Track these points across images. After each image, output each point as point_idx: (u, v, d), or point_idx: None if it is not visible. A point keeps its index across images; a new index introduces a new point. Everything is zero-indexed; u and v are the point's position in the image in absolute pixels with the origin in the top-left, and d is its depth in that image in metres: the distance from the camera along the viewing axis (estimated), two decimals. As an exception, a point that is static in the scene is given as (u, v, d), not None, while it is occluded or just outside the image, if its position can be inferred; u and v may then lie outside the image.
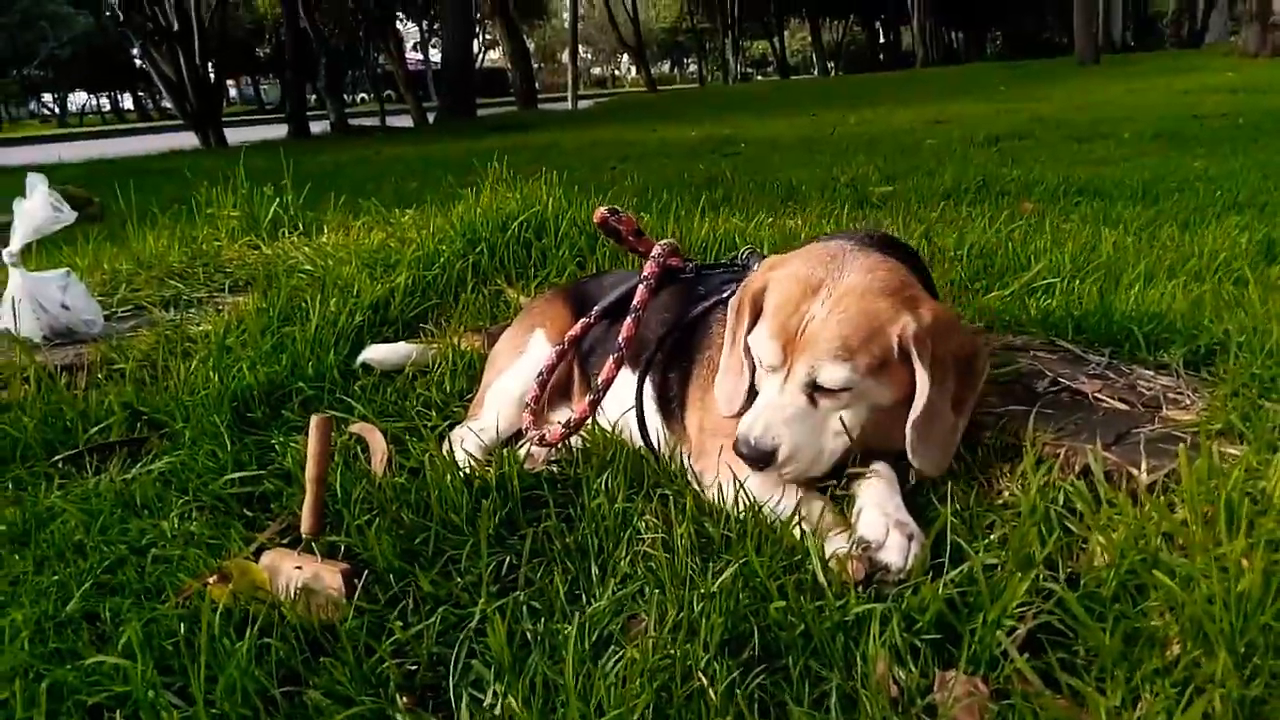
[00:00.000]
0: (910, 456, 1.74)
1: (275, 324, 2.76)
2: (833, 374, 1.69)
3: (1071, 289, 2.82)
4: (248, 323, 2.77)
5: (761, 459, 1.73)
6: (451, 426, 2.33)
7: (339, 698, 1.48)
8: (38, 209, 2.69)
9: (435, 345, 2.71)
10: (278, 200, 4.12)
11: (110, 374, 2.68)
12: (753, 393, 1.87)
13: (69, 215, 2.73)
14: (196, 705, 1.44)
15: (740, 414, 1.84)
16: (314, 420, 1.80)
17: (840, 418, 1.75)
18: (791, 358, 1.73)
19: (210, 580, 1.71)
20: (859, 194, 6.90)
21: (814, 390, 1.74)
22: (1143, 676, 1.29)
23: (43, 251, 3.05)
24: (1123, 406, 1.91)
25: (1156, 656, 1.32)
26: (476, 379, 2.54)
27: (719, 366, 1.96)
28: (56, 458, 2.34)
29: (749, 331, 1.85)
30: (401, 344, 2.73)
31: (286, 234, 4.04)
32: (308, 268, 3.33)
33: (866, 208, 6.20)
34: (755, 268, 2.13)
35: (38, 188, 2.70)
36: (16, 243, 2.74)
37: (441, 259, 3.17)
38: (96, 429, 2.42)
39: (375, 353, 2.66)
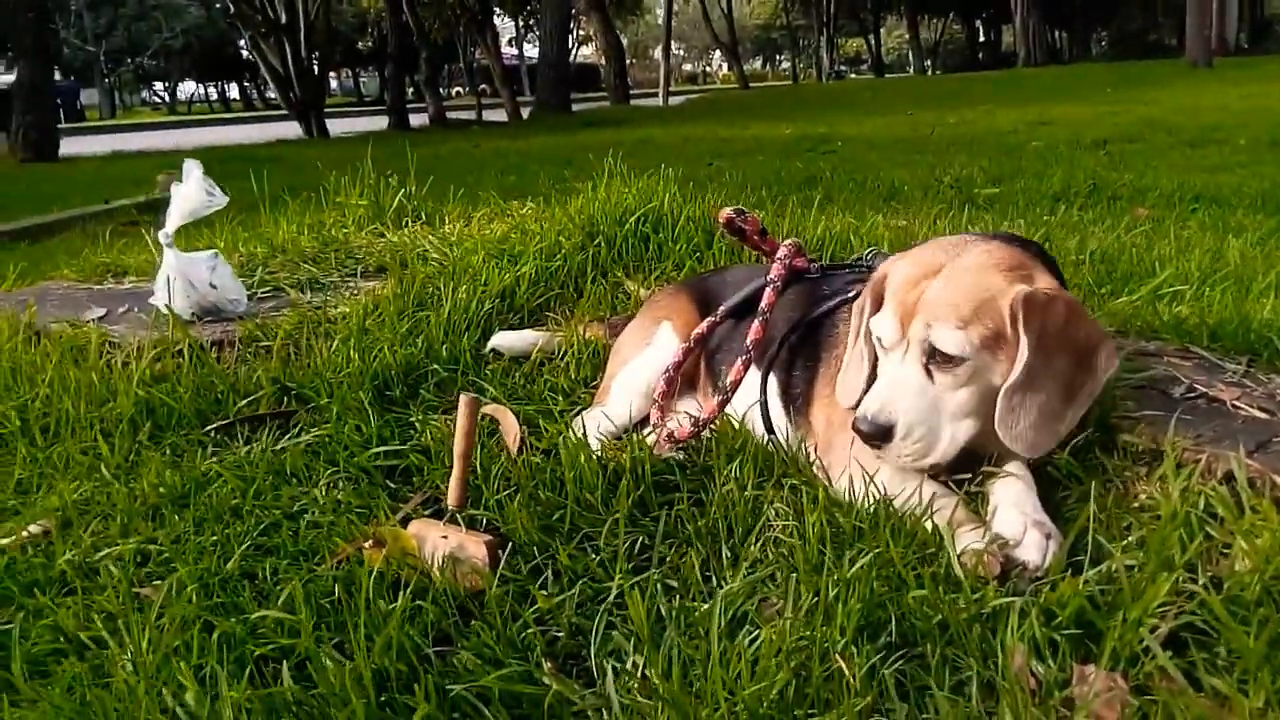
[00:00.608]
0: (996, 426, 1.73)
1: (410, 309, 2.89)
2: (946, 337, 1.71)
3: (1201, 295, 2.78)
4: (384, 307, 2.90)
5: (879, 434, 1.76)
6: (577, 412, 2.42)
7: (488, 660, 1.56)
8: (193, 193, 2.86)
9: (560, 333, 2.80)
10: (402, 191, 4.28)
11: (256, 350, 2.84)
12: (873, 381, 1.91)
13: (221, 199, 2.90)
14: (357, 659, 1.54)
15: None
16: (463, 399, 1.90)
17: (958, 397, 1.77)
18: (907, 329, 1.77)
19: (366, 545, 1.82)
20: (964, 195, 6.82)
21: (930, 361, 1.76)
22: (1289, 680, 1.30)
23: (180, 233, 3.22)
24: (1262, 415, 1.89)
25: (1303, 661, 1.32)
26: (600, 367, 2.62)
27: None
28: (209, 427, 2.49)
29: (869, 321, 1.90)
30: (528, 331, 2.83)
31: (410, 223, 4.18)
32: (435, 256, 3.45)
33: (973, 209, 6.12)
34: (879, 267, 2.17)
35: (193, 173, 2.87)
36: (173, 224, 2.92)
37: (562, 251, 3.26)
38: (245, 401, 2.57)
39: (504, 339, 2.77)
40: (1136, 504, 1.74)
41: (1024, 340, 1.70)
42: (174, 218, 2.91)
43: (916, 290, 1.78)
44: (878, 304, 1.89)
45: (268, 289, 3.43)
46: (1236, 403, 1.93)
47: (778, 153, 11.04)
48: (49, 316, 3.14)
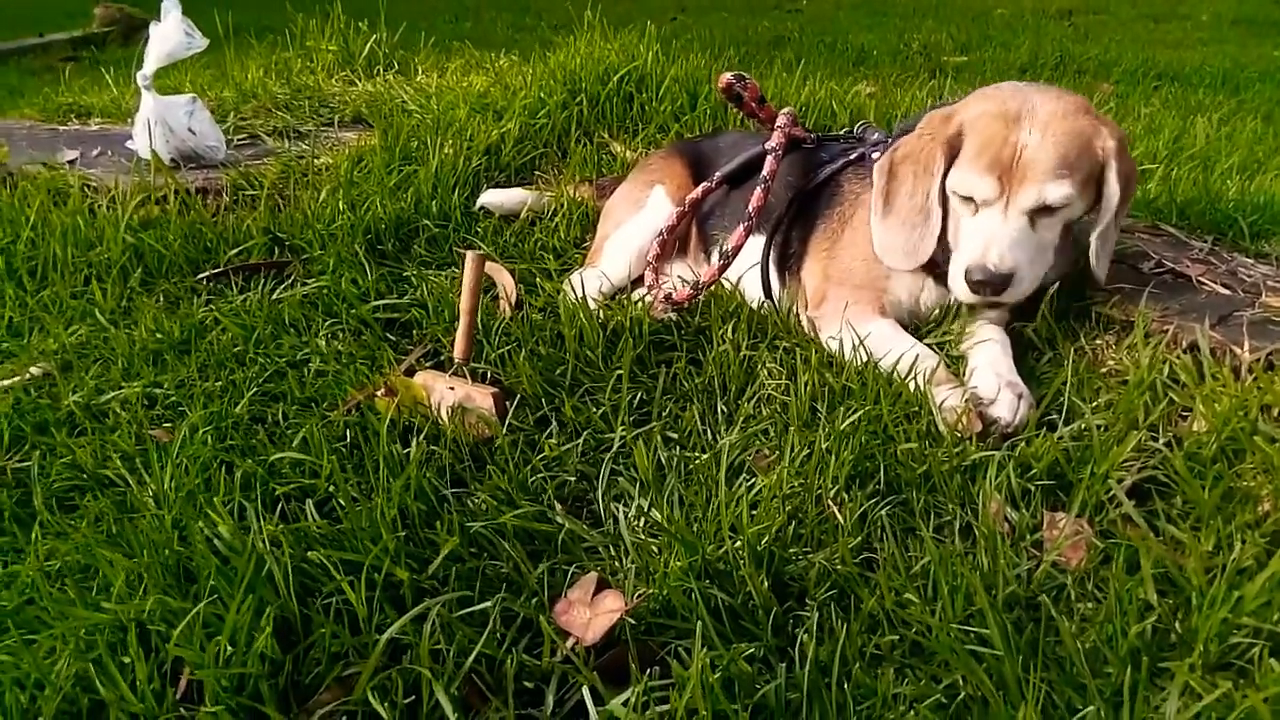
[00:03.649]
0: (1093, 265, 1.89)
1: (397, 162, 2.87)
2: (1058, 193, 1.80)
3: (1169, 175, 2.88)
4: (370, 159, 2.88)
5: (1001, 282, 1.83)
6: (571, 271, 2.47)
7: (502, 501, 1.66)
8: (171, 33, 2.77)
9: (549, 192, 2.82)
10: (374, 37, 4.16)
11: (241, 199, 2.82)
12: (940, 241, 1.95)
13: (201, 41, 2.81)
14: (378, 499, 1.62)
15: (921, 265, 1.97)
16: (469, 255, 1.94)
17: (1052, 238, 1.88)
18: (1011, 187, 1.82)
19: (378, 393, 1.88)
20: (932, 62, 6.78)
21: (1037, 213, 1.84)
22: (1236, 527, 1.45)
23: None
24: (1225, 290, 2.01)
25: (1249, 511, 1.48)
26: (590, 228, 2.66)
27: (848, 239, 2.08)
28: (202, 275, 2.50)
29: (944, 176, 1.91)
30: (517, 189, 2.84)
31: (381, 71, 4.09)
32: (414, 108, 3.41)
33: (941, 76, 6.11)
34: (874, 138, 2.22)
35: (171, 12, 2.77)
36: (150, 65, 2.83)
37: (546, 108, 3.24)
38: (237, 251, 2.57)
39: (493, 196, 2.78)
40: (1106, 370, 1.87)
41: (1114, 184, 1.83)
42: (152, 59, 2.83)
43: (1009, 145, 1.81)
44: (951, 158, 1.91)
45: (244, 136, 3.38)
46: (1202, 278, 2.05)
47: (744, 8, 10.76)
48: (21, 157, 3.07)
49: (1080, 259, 1.96)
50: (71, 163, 3.07)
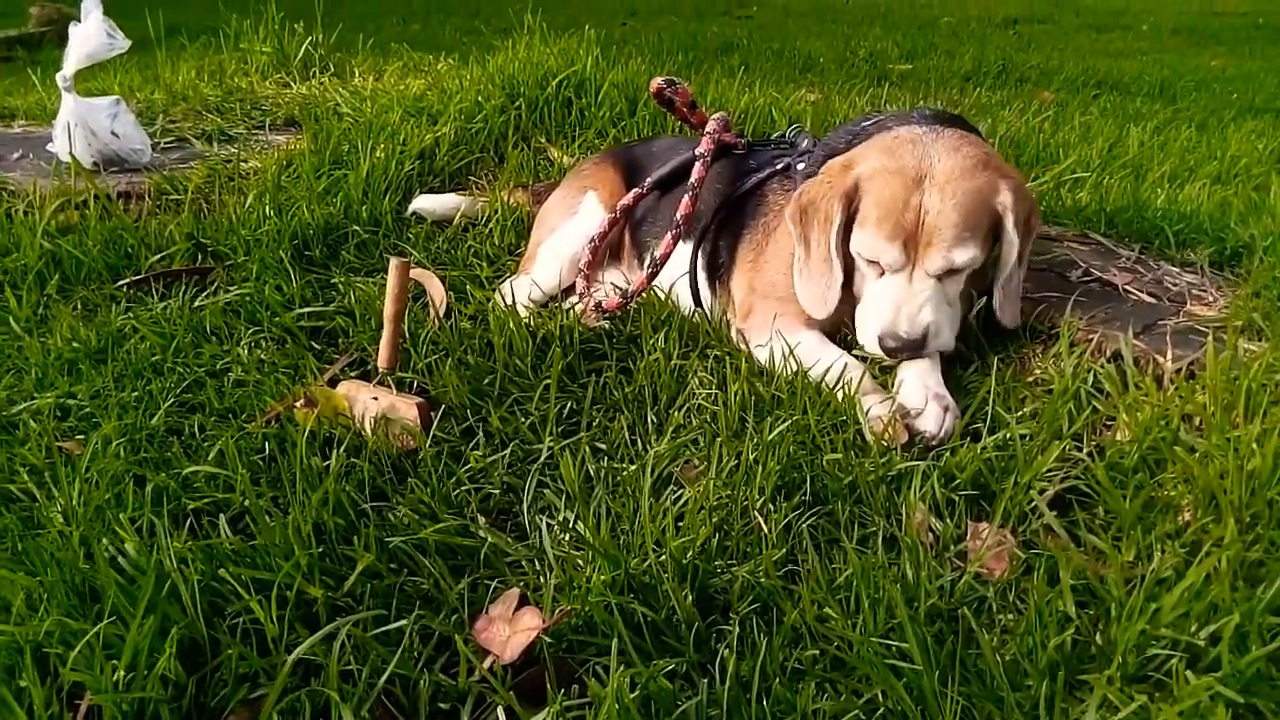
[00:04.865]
0: (998, 314, 1.90)
1: (326, 166, 2.81)
2: (964, 256, 1.80)
3: (1100, 183, 2.92)
4: (299, 163, 2.82)
5: (914, 346, 1.84)
6: (502, 278, 2.43)
7: (424, 514, 1.62)
8: (92, 34, 2.68)
9: (483, 198, 2.78)
10: (309, 39, 4.08)
11: (165, 204, 2.74)
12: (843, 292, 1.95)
13: (123, 43, 2.73)
14: (293, 513, 1.57)
15: (830, 313, 1.96)
16: (394, 261, 1.90)
17: (958, 291, 1.89)
18: (917, 253, 1.81)
19: (297, 404, 1.83)
20: (878, 70, 6.85)
21: (943, 275, 1.84)
22: (1156, 538, 1.46)
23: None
24: (1150, 299, 2.04)
25: (1170, 521, 1.48)
26: (524, 234, 2.63)
27: (771, 251, 2.07)
28: (121, 282, 2.42)
29: (843, 234, 1.90)
30: (450, 195, 2.80)
31: (317, 74, 4.02)
32: (349, 112, 3.35)
33: (886, 84, 6.17)
34: (803, 144, 2.21)
35: (92, 12, 2.69)
36: (70, 67, 2.74)
37: (483, 112, 3.20)
38: (158, 257, 2.50)
39: (426, 202, 2.73)
40: (1031, 379, 1.88)
41: (1013, 240, 1.84)
42: (72, 60, 2.74)
43: (912, 210, 1.80)
44: (849, 214, 1.89)
45: (171, 139, 3.29)
46: (1128, 287, 2.07)
47: (693, 14, 10.80)
48: (-65, 160, 2.97)
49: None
50: (-10, 166, 2.97)
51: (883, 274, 1.87)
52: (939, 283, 1.84)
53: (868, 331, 1.90)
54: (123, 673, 1.26)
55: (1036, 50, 8.12)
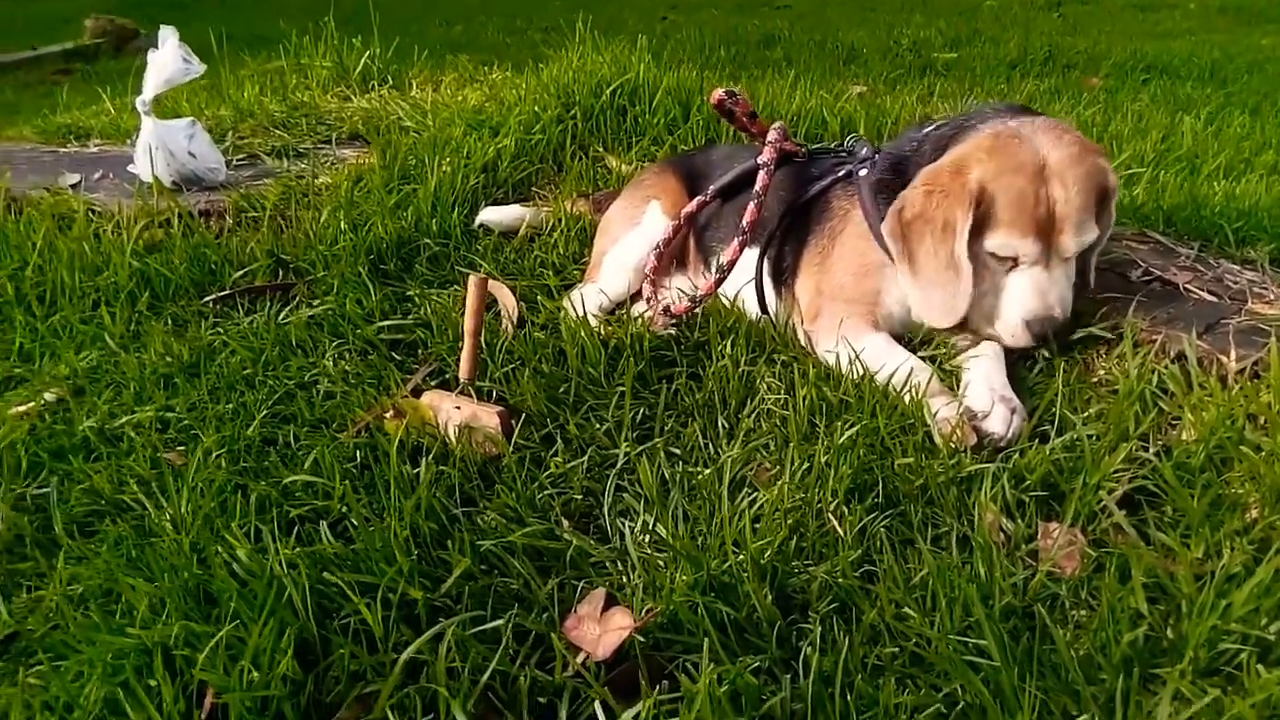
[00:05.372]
0: (1090, 283, 2.06)
1: (395, 181, 2.91)
2: (1090, 236, 1.93)
3: (1156, 178, 2.93)
4: (369, 179, 2.92)
5: (1059, 327, 1.95)
6: (569, 287, 2.51)
7: (510, 519, 1.71)
8: (169, 60, 2.81)
9: (546, 208, 2.86)
10: (367, 53, 4.19)
11: (243, 221, 2.86)
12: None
13: (198, 68, 2.85)
14: (389, 519, 1.67)
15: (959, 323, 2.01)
16: (473, 279, 1.98)
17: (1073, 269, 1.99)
18: (1050, 242, 1.90)
19: (387, 415, 1.93)
20: (922, 59, 6.83)
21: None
22: (1224, 535, 1.50)
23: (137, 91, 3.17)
24: (1212, 298, 2.06)
25: (1238, 519, 1.52)
26: (587, 243, 2.70)
27: (837, 254, 2.14)
28: (208, 298, 2.54)
29: (973, 236, 1.93)
30: (515, 206, 2.88)
31: (376, 85, 4.13)
32: (411, 125, 3.45)
33: (931, 75, 6.16)
34: (863, 152, 2.26)
35: (169, 40, 2.81)
36: (149, 92, 2.87)
37: (540, 122, 3.28)
38: (241, 273, 2.61)
39: (492, 214, 2.82)
40: (1096, 380, 1.92)
41: (1110, 216, 1.98)
42: (150, 85, 2.87)
43: (1042, 202, 1.88)
44: (979, 219, 1.92)
45: (242, 156, 3.41)
46: (1189, 286, 2.10)
47: (733, 7, 10.80)
48: (24, 183, 3.11)
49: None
50: (74, 187, 3.11)
51: (1014, 267, 1.94)
52: (1065, 264, 1.94)
53: (1009, 321, 1.97)
54: (249, 672, 1.36)
55: (1082, 34, 8.02)
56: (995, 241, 1.92)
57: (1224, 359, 1.82)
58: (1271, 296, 2.06)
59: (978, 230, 1.92)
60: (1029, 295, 1.93)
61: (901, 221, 1.99)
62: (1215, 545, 1.48)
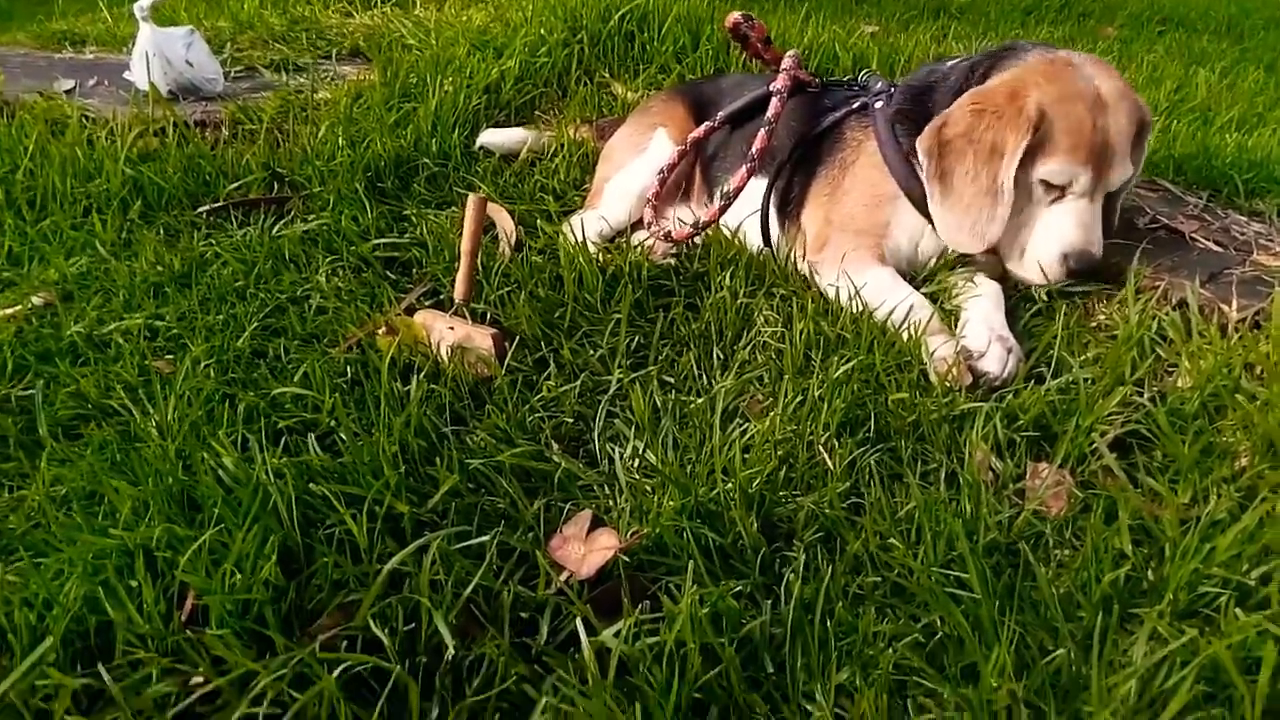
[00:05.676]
0: (1114, 223, 2.03)
1: (396, 99, 2.86)
2: (1130, 172, 1.91)
3: (1168, 128, 2.88)
4: (369, 95, 2.87)
5: (1096, 265, 1.91)
6: (568, 213, 2.48)
7: (500, 439, 1.70)
8: (169, -37, 2.74)
9: (549, 133, 2.81)
10: (372, -32, 4.10)
11: (240, 133, 2.81)
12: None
13: (199, -28, 2.79)
14: (379, 435, 1.66)
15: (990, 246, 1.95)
16: (471, 198, 1.95)
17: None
18: (1102, 174, 1.87)
19: (379, 331, 1.91)
20: (936, 2, 6.69)
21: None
22: (1213, 482, 1.50)
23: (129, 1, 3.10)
24: (1217, 248, 2.04)
25: (1227, 466, 1.52)
26: (589, 169, 2.66)
27: (849, 184, 2.09)
28: (201, 209, 2.50)
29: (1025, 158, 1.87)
30: (516, 129, 2.83)
31: (379, 3, 4.04)
32: (411, 42, 3.38)
33: (945, 17, 6.04)
34: (877, 86, 2.21)
35: (169, -58, 2.75)
36: (148, -2, 2.81)
37: (546, 45, 3.21)
38: (235, 185, 2.58)
39: (493, 136, 2.77)
40: (1095, 324, 1.90)
41: (1142, 154, 1.95)
42: (149, -9, 2.80)
43: (1098, 132, 1.84)
44: (1033, 145, 1.86)
45: (240, 68, 3.35)
46: (1195, 235, 2.08)
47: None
48: (17, 86, 3.05)
49: None
50: (69, 92, 3.06)
51: (1059, 198, 1.90)
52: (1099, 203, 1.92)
53: (1047, 253, 1.92)
54: (231, 575, 1.36)
55: (1099, -18, 7.86)
56: (1050, 168, 1.87)
57: (1225, 308, 1.80)
58: (1277, 248, 2.04)
59: (1029, 157, 1.87)
60: (1072, 227, 1.88)
61: (940, 138, 1.93)
62: (1203, 491, 1.48)
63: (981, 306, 1.88)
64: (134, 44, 2.96)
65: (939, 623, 1.32)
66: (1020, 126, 1.85)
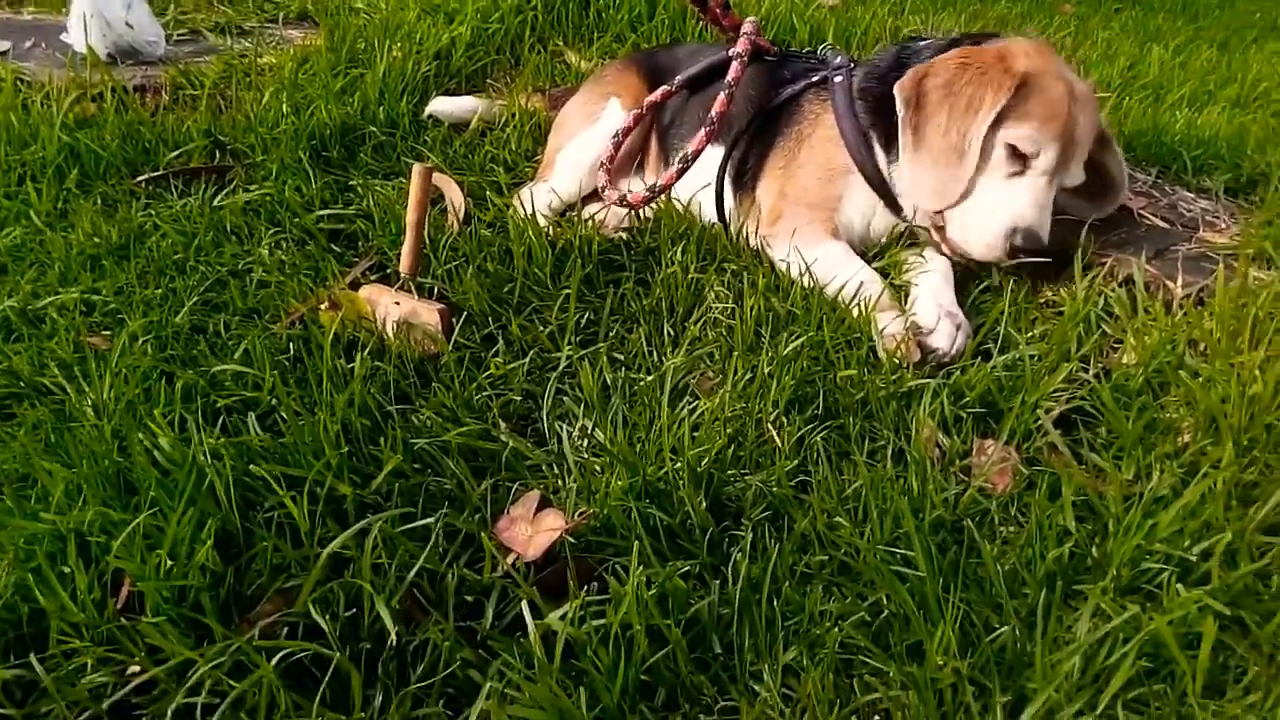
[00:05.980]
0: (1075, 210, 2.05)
1: (343, 65, 2.79)
2: (1080, 179, 1.92)
3: (1120, 105, 2.90)
4: (315, 60, 2.79)
5: (1040, 250, 1.85)
6: (519, 185, 2.44)
7: (446, 418, 1.67)
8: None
9: (500, 102, 2.76)
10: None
11: (181, 99, 2.73)
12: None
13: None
14: (321, 414, 1.62)
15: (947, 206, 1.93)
16: (417, 168, 1.90)
17: None
18: (1066, 161, 1.87)
19: (322, 306, 1.87)
20: (893, -27, 6.67)
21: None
22: (1156, 458, 1.51)
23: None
24: (1163, 225, 2.06)
25: (1170, 442, 1.54)
26: (541, 140, 2.62)
27: (805, 157, 2.07)
28: (141, 178, 2.42)
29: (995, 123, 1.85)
30: (467, 97, 2.78)
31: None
32: (359, 5, 3.30)
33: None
34: (837, 60, 2.18)
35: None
36: (85, -44, 2.71)
37: (499, 11, 3.14)
38: (176, 153, 2.50)
39: (443, 104, 2.71)
40: (1043, 300, 1.91)
41: (1118, 155, 2.02)
42: (87, -51, 2.69)
43: (1070, 118, 1.84)
44: (1009, 107, 1.84)
45: (183, 31, 3.25)
46: (1143, 211, 2.09)
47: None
48: (-53, 47, 2.94)
49: None
50: (3, 54, 2.94)
51: (1020, 173, 1.86)
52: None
53: (992, 226, 1.87)
54: (166, 561, 1.32)
55: (1058, -41, 7.89)
56: (1022, 132, 1.83)
57: (1170, 284, 1.82)
58: (1223, 226, 2.06)
59: (1001, 119, 1.84)
60: (1028, 204, 1.84)
61: (920, 88, 1.90)
62: (1146, 467, 1.50)
63: (931, 282, 1.88)
64: (71, 4, 2.85)
65: (885, 601, 1.32)
66: (1003, 84, 1.83)
